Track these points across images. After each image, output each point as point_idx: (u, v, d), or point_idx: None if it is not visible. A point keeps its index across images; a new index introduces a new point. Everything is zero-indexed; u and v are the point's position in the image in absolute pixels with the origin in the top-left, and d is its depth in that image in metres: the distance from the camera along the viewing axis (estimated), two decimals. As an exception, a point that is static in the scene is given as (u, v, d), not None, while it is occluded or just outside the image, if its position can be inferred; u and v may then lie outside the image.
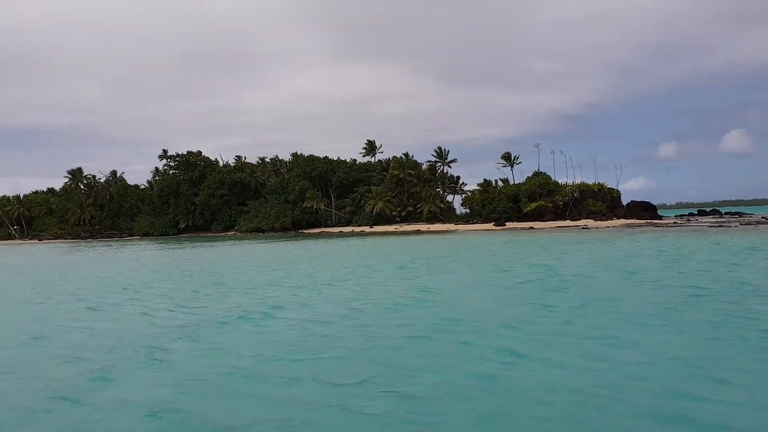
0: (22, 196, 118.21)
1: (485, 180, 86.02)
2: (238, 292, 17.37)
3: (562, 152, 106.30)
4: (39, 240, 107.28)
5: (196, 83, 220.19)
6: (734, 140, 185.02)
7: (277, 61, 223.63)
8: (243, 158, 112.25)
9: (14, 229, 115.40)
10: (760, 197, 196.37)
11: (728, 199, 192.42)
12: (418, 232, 74.10)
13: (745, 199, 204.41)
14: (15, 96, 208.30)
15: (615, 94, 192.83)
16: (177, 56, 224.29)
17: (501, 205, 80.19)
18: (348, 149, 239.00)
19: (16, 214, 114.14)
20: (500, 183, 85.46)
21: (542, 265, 22.26)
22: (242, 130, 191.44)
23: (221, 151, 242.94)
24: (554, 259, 25.20)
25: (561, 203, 78.14)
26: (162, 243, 70.02)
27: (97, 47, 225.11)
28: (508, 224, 74.48)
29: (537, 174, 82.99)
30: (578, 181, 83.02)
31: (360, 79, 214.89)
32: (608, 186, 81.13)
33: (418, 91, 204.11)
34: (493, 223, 76.11)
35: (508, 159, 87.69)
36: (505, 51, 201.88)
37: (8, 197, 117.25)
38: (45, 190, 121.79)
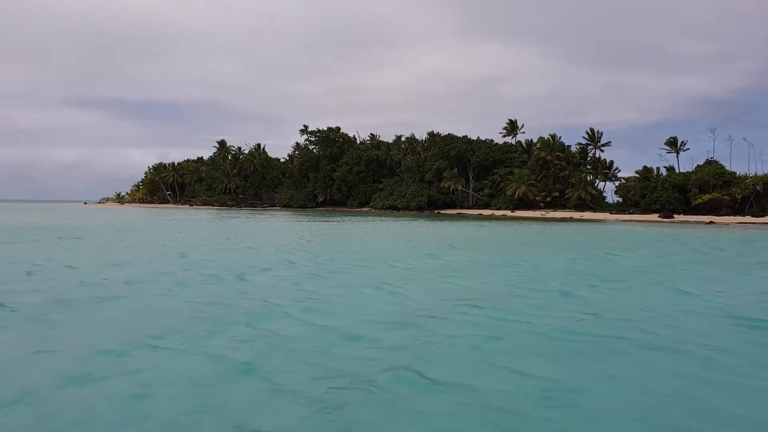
0: (176, 163, 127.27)
1: (645, 167, 77.70)
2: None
3: (745, 139, 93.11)
4: (190, 205, 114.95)
5: (329, 63, 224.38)
6: None
7: (405, 40, 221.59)
8: (377, 136, 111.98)
9: (168, 194, 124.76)
10: None
11: None
12: (571, 219, 68.46)
13: None
14: (162, 73, 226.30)
15: None
16: (313, 36, 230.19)
17: (665, 195, 71.86)
18: (470, 129, 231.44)
19: (170, 180, 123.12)
20: (663, 171, 76.75)
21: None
22: (369, 110, 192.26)
23: (348, 129, 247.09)
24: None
25: (739, 197, 68.35)
26: (319, 215, 70.74)
27: (238, 27, 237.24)
28: (677, 217, 66.36)
29: (709, 162, 73.29)
30: (758, 173, 72.21)
31: (486, 58, 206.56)
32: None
33: (545, 72, 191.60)
34: (658, 214, 68.34)
35: (674, 144, 78.45)
36: (646, 29, 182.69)
37: (164, 164, 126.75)
38: (194, 159, 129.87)
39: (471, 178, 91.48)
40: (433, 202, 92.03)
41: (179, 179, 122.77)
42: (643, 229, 44.79)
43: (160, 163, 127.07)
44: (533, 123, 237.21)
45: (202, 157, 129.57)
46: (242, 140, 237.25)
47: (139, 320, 9.19)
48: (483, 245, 26.51)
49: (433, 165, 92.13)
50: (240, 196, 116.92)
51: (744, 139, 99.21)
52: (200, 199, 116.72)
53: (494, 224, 51.38)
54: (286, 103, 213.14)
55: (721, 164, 73.38)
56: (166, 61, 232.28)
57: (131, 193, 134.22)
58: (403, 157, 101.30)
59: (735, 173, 71.04)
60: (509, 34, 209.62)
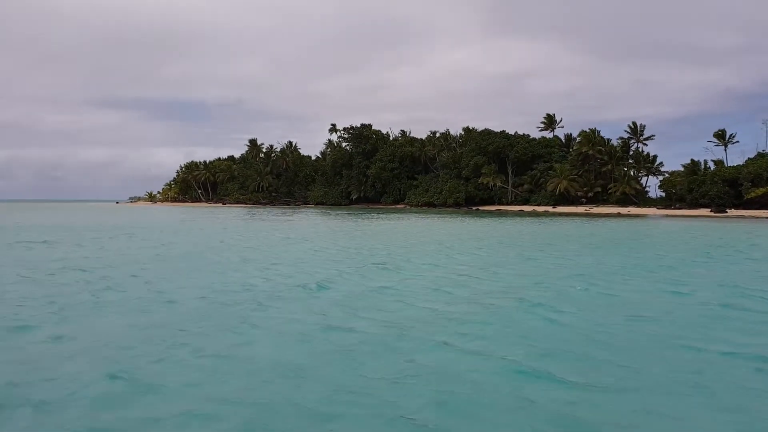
0: (207, 162, 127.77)
1: (692, 160, 75.94)
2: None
3: None
4: (223, 204, 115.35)
5: (354, 60, 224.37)
6: None
7: (430, 37, 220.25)
8: (408, 132, 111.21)
9: (200, 193, 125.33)
10: None
11: None
12: (619, 215, 67.06)
13: None
14: (188, 72, 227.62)
15: None
16: (337, 34, 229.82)
17: (714, 189, 70.03)
18: (498, 126, 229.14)
19: (203, 178, 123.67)
20: (711, 165, 74.90)
21: None
22: (394, 107, 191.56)
23: (375, 126, 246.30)
24: None
25: (795, 190, 66.37)
26: (366, 212, 70.24)
27: (263, 26, 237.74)
28: (730, 212, 64.67)
29: (762, 155, 71.27)
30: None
31: (511, 54, 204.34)
32: None
33: (571, 67, 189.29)
34: (708, 209, 66.67)
35: (722, 137, 76.52)
36: (674, 22, 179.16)
37: (196, 163, 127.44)
38: (226, 158, 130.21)
39: (510, 173, 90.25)
40: (470, 199, 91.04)
41: (211, 178, 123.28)
42: (723, 225, 43.52)
43: (192, 162, 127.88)
44: (557, 118, 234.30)
45: (233, 156, 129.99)
46: (268, 139, 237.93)
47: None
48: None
49: (470, 161, 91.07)
50: (273, 194, 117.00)
51: None
52: (233, 198, 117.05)
53: (576, 221, 50.36)
54: (311, 102, 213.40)
55: (774, 157, 71.31)
56: (192, 60, 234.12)
57: (163, 191, 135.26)
58: (438, 153, 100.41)
59: (789, 166, 68.97)
60: (534, 30, 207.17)
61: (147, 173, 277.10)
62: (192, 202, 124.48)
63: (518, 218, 55.82)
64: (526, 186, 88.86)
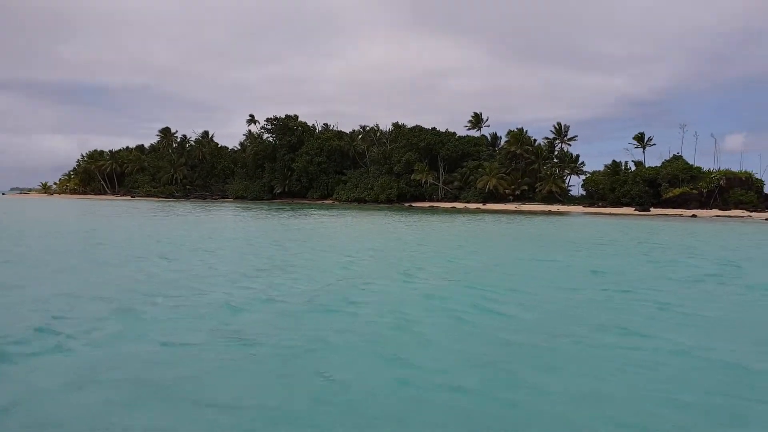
0: (113, 151, 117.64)
1: (614, 161, 79.91)
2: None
3: (712, 135, 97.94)
4: (131, 197, 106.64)
5: (275, 51, 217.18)
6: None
7: (350, 31, 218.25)
8: (332, 126, 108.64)
9: (105, 185, 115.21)
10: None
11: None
12: (550, 212, 68.93)
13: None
14: (87, 54, 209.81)
15: (693, 81, 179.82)
16: (258, 23, 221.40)
17: (635, 189, 74.04)
18: (414, 122, 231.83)
19: (108, 169, 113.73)
20: (632, 165, 79.17)
21: None
22: (317, 100, 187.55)
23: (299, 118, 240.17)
24: None
25: (705, 191, 71.61)
26: (296, 209, 66.88)
27: (175, 9, 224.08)
28: (653, 210, 68.46)
29: (676, 158, 76.32)
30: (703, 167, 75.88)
31: (432, 53, 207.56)
32: (756, 175, 73.95)
33: (482, 68, 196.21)
34: (632, 208, 70.24)
35: (641, 140, 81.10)
36: (579, 30, 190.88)
37: (101, 152, 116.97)
38: (134, 147, 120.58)
39: (441, 170, 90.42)
40: (402, 195, 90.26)
41: (118, 169, 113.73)
42: (662, 224, 45.34)
43: (96, 151, 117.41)
44: (486, 117, 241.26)
45: (143, 145, 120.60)
46: (181, 129, 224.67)
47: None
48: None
49: (402, 157, 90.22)
50: (188, 187, 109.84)
51: (711, 135, 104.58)
52: (143, 191, 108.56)
53: (517, 219, 50.42)
54: (226, 91, 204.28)
55: (686, 160, 76.62)
56: (92, 41, 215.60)
57: (61, 183, 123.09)
58: (367, 148, 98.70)
59: (700, 168, 74.40)
60: (452, 30, 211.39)
61: (37, 162, 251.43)
62: (95, 194, 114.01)
63: (469, 215, 55.59)
64: (456, 183, 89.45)
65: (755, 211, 66.43)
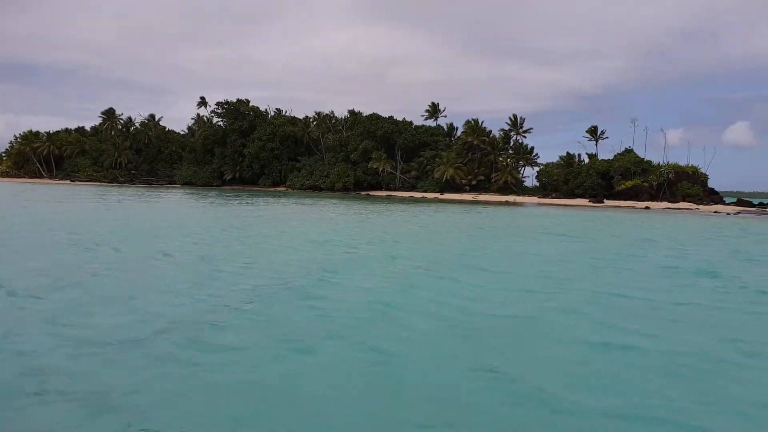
0: (50, 132, 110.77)
1: (568, 153, 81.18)
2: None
3: (662, 130, 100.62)
4: (71, 181, 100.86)
5: (219, 34, 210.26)
6: (739, 132, 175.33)
7: (300, 15, 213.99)
8: (284, 111, 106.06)
9: (41, 168, 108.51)
10: (759, 190, 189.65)
11: (729, 189, 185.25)
12: (507, 203, 69.32)
13: (745, 191, 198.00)
14: (17, 30, 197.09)
15: (635, 77, 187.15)
16: (202, 4, 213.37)
17: (589, 180, 75.46)
18: (364, 111, 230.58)
19: (45, 152, 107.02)
20: (585, 158, 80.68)
21: None
22: (266, 84, 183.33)
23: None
24: None
25: (655, 184, 73.74)
26: (245, 195, 64.39)
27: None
28: (606, 202, 69.90)
29: (628, 151, 78.25)
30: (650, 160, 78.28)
31: (379, 41, 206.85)
32: (701, 170, 76.75)
33: (433, 58, 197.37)
34: (586, 199, 71.52)
35: (594, 133, 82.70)
36: (530, 25, 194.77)
37: (36, 133, 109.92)
38: (74, 128, 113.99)
39: (399, 159, 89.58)
40: (358, 183, 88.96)
41: (56, 151, 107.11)
42: (623, 215, 45.99)
43: (31, 132, 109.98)
44: (422, 108, 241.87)
45: (83, 127, 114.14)
46: (122, 110, 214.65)
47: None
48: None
49: (359, 145, 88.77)
50: (133, 171, 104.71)
51: (661, 130, 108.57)
52: (85, 175, 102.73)
53: (480, 209, 50.08)
54: (170, 73, 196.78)
55: (636, 153, 78.64)
56: (22, 16, 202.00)
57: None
58: (322, 135, 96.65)
59: (650, 162, 76.51)
60: (404, 20, 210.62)
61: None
62: (30, 178, 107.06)
63: (433, 205, 54.93)
64: (413, 173, 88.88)
65: (701, 203, 68.92)
